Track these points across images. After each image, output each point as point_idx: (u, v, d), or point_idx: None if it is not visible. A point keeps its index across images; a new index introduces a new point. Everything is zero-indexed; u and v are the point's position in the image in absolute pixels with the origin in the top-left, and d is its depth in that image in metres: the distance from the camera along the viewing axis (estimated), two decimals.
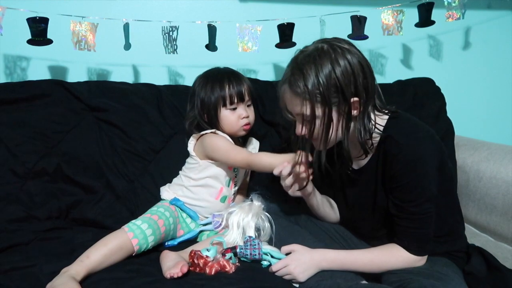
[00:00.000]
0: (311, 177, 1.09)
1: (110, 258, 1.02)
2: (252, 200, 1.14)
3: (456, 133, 1.64)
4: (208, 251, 1.05)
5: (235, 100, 1.22)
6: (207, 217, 1.27)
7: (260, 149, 1.53)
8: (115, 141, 1.44)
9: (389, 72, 1.84)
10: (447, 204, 1.09)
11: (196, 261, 1.02)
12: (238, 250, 1.07)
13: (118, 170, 1.41)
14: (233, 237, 1.12)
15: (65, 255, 1.04)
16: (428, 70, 1.76)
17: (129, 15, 1.49)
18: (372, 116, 1.02)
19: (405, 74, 1.79)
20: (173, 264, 0.99)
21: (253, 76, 1.74)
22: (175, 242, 1.20)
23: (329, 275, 1.04)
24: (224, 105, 1.23)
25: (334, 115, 0.98)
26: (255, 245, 1.07)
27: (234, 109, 1.24)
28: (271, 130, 1.56)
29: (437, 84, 1.72)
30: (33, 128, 1.39)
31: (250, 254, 1.07)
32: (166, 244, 1.20)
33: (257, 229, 1.10)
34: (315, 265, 1.03)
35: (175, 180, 1.33)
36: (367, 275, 1.06)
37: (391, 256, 1.02)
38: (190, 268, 1.02)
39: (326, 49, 0.98)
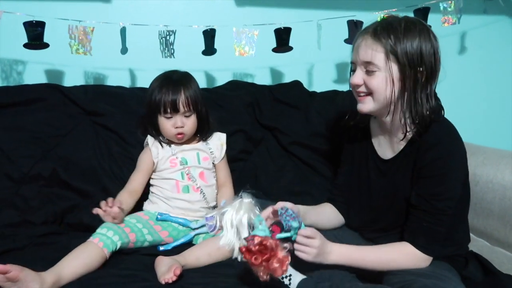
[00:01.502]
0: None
1: (76, 258, 1.03)
2: (241, 198, 1.13)
3: None
4: (260, 230, 0.91)
5: (169, 111, 1.25)
6: (198, 220, 1.27)
7: (258, 153, 1.54)
8: (111, 145, 1.44)
9: None
10: (460, 215, 1.11)
11: (253, 248, 0.86)
12: (284, 223, 0.94)
13: (114, 175, 1.41)
14: (228, 238, 1.11)
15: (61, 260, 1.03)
16: None
17: (125, 19, 1.49)
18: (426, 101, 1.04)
19: None
20: (166, 269, 0.98)
21: (250, 80, 1.74)
22: (169, 247, 1.20)
23: (327, 277, 1.04)
24: (160, 113, 1.27)
25: (402, 75, 1.00)
26: (292, 214, 0.96)
27: (170, 117, 1.27)
28: (267, 134, 1.56)
29: None
30: (29, 132, 1.38)
31: (298, 222, 0.96)
32: (160, 249, 1.19)
33: (251, 226, 1.09)
34: (324, 256, 1.01)
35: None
36: (368, 277, 1.07)
37: (398, 253, 1.03)
38: (247, 257, 0.88)
39: (416, 22, 1.04)
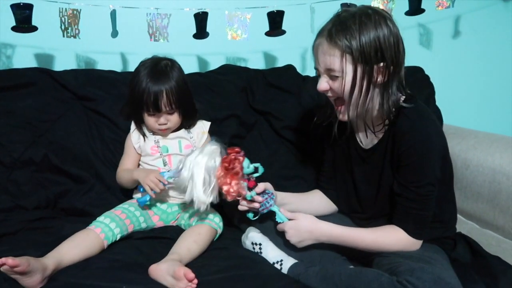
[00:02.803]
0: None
1: (77, 247, 1.04)
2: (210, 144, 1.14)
3: (444, 121, 1.65)
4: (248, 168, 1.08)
5: (151, 110, 1.23)
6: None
7: (251, 138, 1.53)
8: (103, 130, 1.43)
9: None
10: (445, 195, 1.12)
11: (232, 163, 1.04)
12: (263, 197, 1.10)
13: (106, 159, 1.41)
14: (183, 176, 1.10)
15: (53, 244, 1.03)
16: (417, 58, 1.76)
17: (116, 2, 1.47)
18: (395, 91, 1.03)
19: None
20: (174, 279, 0.93)
21: (243, 64, 1.73)
22: (147, 198, 1.19)
23: (317, 261, 1.06)
24: (142, 110, 1.24)
25: (363, 74, 0.99)
26: (268, 202, 1.10)
27: (153, 115, 1.25)
28: (260, 118, 1.56)
29: (426, 72, 1.72)
30: (19, 117, 1.37)
31: (264, 204, 1.09)
32: (140, 202, 1.20)
33: (210, 170, 1.08)
34: (313, 238, 1.06)
35: None
36: (358, 259, 1.09)
37: (391, 237, 1.04)
38: (224, 161, 1.05)
39: (371, 13, 0.99)
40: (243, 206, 1.10)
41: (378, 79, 1.00)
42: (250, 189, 1.08)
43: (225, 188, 1.05)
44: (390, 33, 0.98)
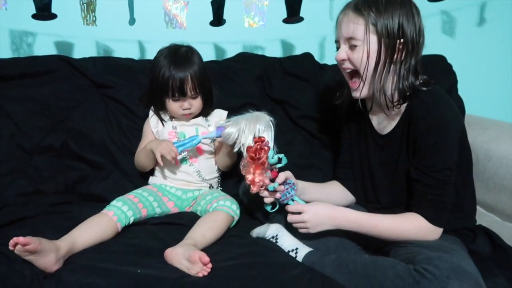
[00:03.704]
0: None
1: (90, 229, 1.05)
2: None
3: (466, 111, 1.61)
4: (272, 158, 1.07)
5: (176, 95, 1.25)
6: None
7: None
8: (120, 118, 1.44)
9: None
10: (464, 182, 1.10)
11: (258, 153, 1.04)
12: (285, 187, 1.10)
13: (124, 146, 1.42)
14: (231, 131, 1.16)
15: (71, 229, 1.04)
16: (440, 47, 1.71)
17: None
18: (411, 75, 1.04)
19: None
20: (189, 262, 0.93)
21: (260, 52, 1.71)
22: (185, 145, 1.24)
23: (332, 249, 1.06)
24: (167, 96, 1.27)
25: (383, 47, 1.01)
26: (288, 193, 1.09)
27: (177, 100, 1.27)
28: (277, 107, 1.54)
29: (449, 61, 1.67)
30: (39, 104, 1.39)
31: (284, 194, 1.08)
32: (176, 144, 1.23)
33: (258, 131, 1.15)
34: (331, 223, 1.05)
35: None
36: (375, 249, 1.07)
37: (410, 224, 1.02)
38: (249, 151, 1.06)
39: None
40: (266, 196, 1.09)
41: (396, 56, 1.01)
42: (272, 179, 1.07)
43: (249, 177, 1.06)
44: (413, 14, 1.01)
